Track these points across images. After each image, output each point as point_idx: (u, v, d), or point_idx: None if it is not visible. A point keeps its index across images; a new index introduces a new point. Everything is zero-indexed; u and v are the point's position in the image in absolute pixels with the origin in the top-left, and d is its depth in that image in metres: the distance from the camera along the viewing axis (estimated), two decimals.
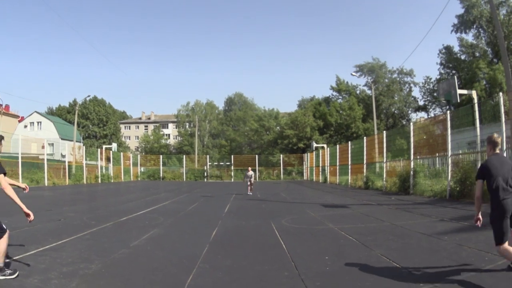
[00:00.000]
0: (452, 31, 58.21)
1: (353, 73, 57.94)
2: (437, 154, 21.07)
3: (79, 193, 26.34)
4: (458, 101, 16.50)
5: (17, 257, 6.79)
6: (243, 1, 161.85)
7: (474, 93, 16.40)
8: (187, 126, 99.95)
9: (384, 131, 26.76)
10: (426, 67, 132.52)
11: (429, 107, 69.58)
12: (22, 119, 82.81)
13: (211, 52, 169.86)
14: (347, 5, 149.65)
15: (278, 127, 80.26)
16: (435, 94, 63.45)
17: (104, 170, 47.98)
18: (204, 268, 6.31)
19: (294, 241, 8.67)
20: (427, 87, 68.69)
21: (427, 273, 5.63)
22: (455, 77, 16.98)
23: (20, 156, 31.70)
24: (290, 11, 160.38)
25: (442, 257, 6.62)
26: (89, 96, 67.79)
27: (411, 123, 22.91)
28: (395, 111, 76.19)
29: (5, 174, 5.82)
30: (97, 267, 6.25)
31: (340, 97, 79.83)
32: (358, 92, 78.47)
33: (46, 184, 33.03)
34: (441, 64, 62.39)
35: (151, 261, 6.81)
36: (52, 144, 62.39)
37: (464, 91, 16.78)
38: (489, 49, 56.63)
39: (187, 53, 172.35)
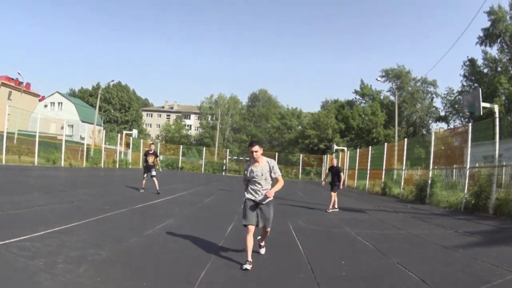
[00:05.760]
0: (477, 43, 57.60)
1: (378, 78, 57.53)
2: (454, 166, 21.08)
3: (96, 176, 26.44)
4: (481, 113, 16.55)
5: (23, 237, 6.63)
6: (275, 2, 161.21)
7: (496, 107, 16.38)
8: (209, 119, 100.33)
9: (406, 139, 26.76)
10: (448, 77, 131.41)
11: (449, 118, 69.03)
12: (43, 98, 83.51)
13: (239, 47, 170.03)
14: (377, 12, 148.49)
15: (300, 127, 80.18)
16: (456, 106, 62.97)
17: (122, 156, 47.90)
18: (218, 263, 6.28)
19: (311, 242, 8.76)
20: (449, 98, 68.22)
21: (441, 284, 5.71)
22: (480, 89, 16.98)
23: (37, 135, 31.72)
24: (320, 14, 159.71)
25: (457, 270, 6.69)
26: (113, 81, 67.60)
27: (433, 133, 22.90)
28: (417, 120, 75.66)
29: None
30: (107, 254, 6.18)
31: (364, 101, 79.41)
32: (381, 97, 78.00)
33: (62, 165, 32.92)
34: (464, 76, 61.72)
35: (164, 252, 6.82)
36: (72, 126, 63.01)
37: (487, 104, 16.78)
38: (511, 65, 56.13)
39: (214, 45, 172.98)
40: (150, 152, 17.56)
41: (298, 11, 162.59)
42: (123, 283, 5.07)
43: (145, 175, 17.26)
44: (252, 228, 6.47)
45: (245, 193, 6.83)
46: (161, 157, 59.03)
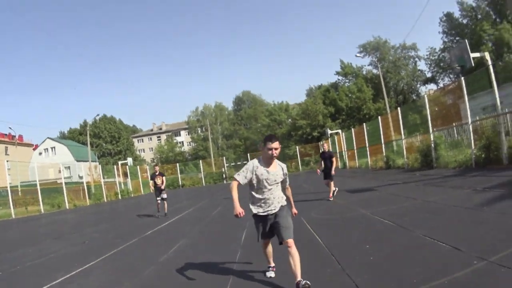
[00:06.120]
0: None
1: (357, 54, 57.72)
2: (454, 124, 20.68)
3: (101, 212, 26.44)
4: (473, 65, 16.08)
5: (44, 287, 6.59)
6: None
7: (487, 55, 15.97)
8: (199, 131, 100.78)
9: (399, 108, 26.42)
10: (427, 38, 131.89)
11: (437, 78, 68.94)
12: (36, 147, 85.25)
13: (213, 55, 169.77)
14: None
15: (289, 119, 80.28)
16: (442, 64, 62.88)
17: (123, 186, 48.17)
18: (240, 276, 5.96)
19: (329, 232, 8.46)
20: (433, 58, 68.06)
21: (477, 248, 5.31)
22: (466, 41, 16.50)
23: (38, 183, 32.00)
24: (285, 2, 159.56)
25: (488, 229, 6.33)
26: (98, 115, 68.49)
27: (425, 96, 22.53)
28: (404, 87, 75.54)
29: None
30: None
31: (347, 80, 79.26)
32: (364, 72, 77.84)
33: (67, 207, 33.11)
34: (443, 32, 61.66)
35: (182, 276, 6.46)
36: (69, 167, 63.35)
37: (477, 54, 16.32)
38: (491, 10, 55.59)
39: (188, 58, 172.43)
40: (157, 174, 17.50)
41: (262, 4, 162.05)
42: None
43: (158, 198, 17.08)
44: (267, 240, 5.57)
45: (251, 206, 5.42)
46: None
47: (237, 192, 5.28)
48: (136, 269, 7.41)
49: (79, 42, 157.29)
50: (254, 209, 5.36)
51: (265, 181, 5.25)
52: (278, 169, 5.37)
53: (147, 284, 6.34)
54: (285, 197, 5.47)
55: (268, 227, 5.35)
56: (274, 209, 5.28)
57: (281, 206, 5.33)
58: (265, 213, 5.30)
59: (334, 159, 15.18)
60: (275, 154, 5.20)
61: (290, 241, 5.06)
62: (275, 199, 5.31)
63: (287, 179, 5.52)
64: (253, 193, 5.35)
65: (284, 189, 5.55)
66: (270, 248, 5.64)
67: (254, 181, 5.28)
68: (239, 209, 5.11)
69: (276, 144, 5.18)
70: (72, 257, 9.54)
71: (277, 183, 5.34)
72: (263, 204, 5.30)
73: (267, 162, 5.31)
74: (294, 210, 5.61)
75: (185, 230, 12.05)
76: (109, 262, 8.45)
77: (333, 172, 14.74)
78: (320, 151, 15.80)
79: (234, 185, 5.33)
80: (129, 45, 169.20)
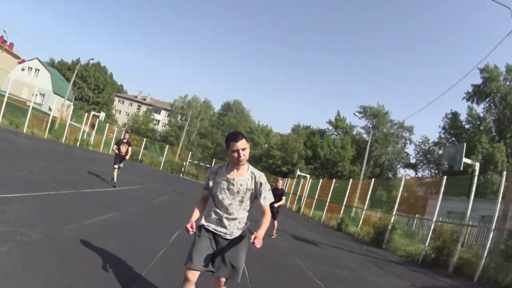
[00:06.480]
0: (463, 98, 58.08)
1: (356, 113, 57.84)
2: (417, 215, 20.65)
3: (54, 150, 25.93)
4: (461, 169, 16.07)
5: None
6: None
7: (477, 165, 16.04)
8: (178, 118, 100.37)
9: (373, 179, 26.40)
10: (424, 125, 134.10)
11: (419, 166, 69.62)
12: (23, 61, 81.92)
13: (222, 52, 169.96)
14: (364, 50, 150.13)
15: (266, 145, 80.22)
16: (429, 156, 63.62)
17: (85, 136, 47.60)
18: (152, 275, 5.39)
19: (258, 269, 8.03)
20: (423, 147, 68.82)
21: None
22: (464, 144, 16.55)
23: (7, 95, 32.12)
24: (310, 39, 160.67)
25: None
26: (92, 59, 66.73)
27: (403, 178, 22.49)
28: (385, 162, 76.22)
29: None
30: (37, 237, 5.53)
31: (336, 133, 79.86)
32: (354, 132, 78.55)
33: (24, 131, 32.73)
34: (443, 128, 62.48)
35: (98, 250, 5.87)
36: (44, 95, 62.98)
37: (469, 161, 16.36)
38: (494, 127, 56.76)
39: (199, 45, 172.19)
40: (124, 141, 16.64)
41: (287, 32, 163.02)
42: (44, 277, 4.28)
43: (116, 166, 15.96)
44: (195, 274, 3.79)
45: (202, 217, 4.04)
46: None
47: (201, 208, 4.11)
48: (56, 220, 6.94)
49: None
50: (204, 220, 4.00)
51: (224, 191, 3.91)
52: (246, 176, 3.92)
53: (60, 240, 5.79)
54: (249, 225, 4.09)
55: (209, 251, 3.90)
56: (230, 235, 3.94)
57: (240, 235, 4.00)
58: (214, 231, 3.95)
59: (284, 198, 14.61)
60: (242, 157, 3.79)
61: (223, 280, 3.94)
62: (236, 221, 3.95)
63: (267, 195, 3.96)
64: (213, 205, 4.01)
65: (261, 210, 4.01)
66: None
67: (214, 190, 3.97)
68: (190, 223, 3.84)
69: (242, 143, 3.79)
70: (2, 180, 9.04)
71: (243, 198, 3.92)
72: (215, 219, 3.96)
73: (230, 167, 3.97)
74: (258, 236, 3.73)
75: (123, 204, 11.63)
76: (35, 201, 7.89)
77: (276, 204, 13.85)
78: (275, 186, 15.09)
79: (198, 198, 4.20)
80: (152, 9, 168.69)
